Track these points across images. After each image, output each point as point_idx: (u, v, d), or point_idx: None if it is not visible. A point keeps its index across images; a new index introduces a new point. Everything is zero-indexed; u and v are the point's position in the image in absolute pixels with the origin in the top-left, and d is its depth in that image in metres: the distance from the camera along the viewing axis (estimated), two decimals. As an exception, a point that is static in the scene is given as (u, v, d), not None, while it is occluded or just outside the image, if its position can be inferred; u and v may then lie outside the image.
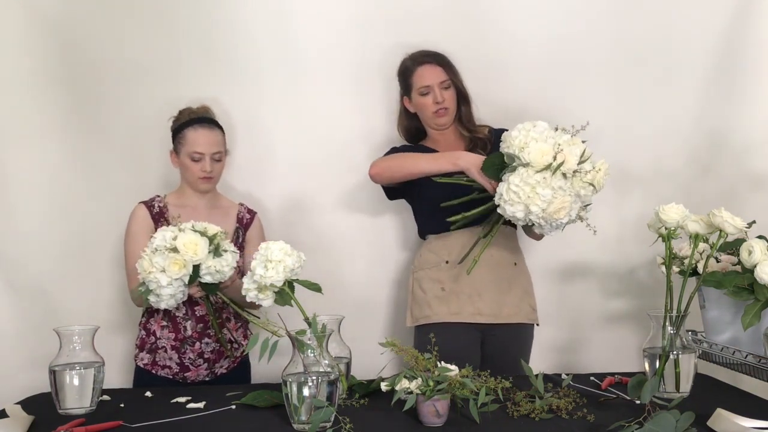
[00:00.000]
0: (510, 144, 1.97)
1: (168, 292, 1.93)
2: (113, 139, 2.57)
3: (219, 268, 1.96)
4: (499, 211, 2.01)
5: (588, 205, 2.04)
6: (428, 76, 2.33)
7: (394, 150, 2.40)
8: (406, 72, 2.38)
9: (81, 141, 2.55)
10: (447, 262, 2.30)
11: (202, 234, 1.95)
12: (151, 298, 1.96)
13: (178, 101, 2.36)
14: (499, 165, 2.03)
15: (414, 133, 2.48)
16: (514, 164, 1.96)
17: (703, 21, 2.62)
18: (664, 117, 2.65)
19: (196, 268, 1.94)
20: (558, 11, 2.63)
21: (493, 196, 2.01)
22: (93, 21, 2.53)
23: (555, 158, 1.91)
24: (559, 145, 1.93)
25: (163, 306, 1.98)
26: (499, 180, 2.01)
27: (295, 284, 1.77)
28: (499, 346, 2.29)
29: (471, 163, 2.09)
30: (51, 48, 2.51)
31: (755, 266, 1.73)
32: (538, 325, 2.38)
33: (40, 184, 2.54)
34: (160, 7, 2.55)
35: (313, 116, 2.64)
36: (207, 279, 1.98)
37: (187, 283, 1.96)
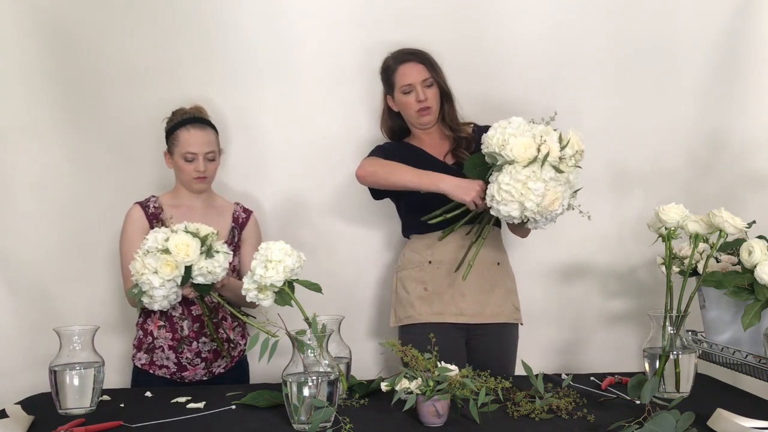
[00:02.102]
0: (488, 144, 1.96)
1: (161, 293, 1.92)
2: (110, 139, 2.56)
3: (211, 269, 1.95)
4: (492, 212, 2.00)
5: (577, 190, 2.03)
6: (410, 74, 2.29)
7: (378, 148, 2.36)
8: (388, 70, 2.34)
9: (78, 141, 2.55)
10: (430, 262, 2.28)
11: (194, 235, 1.94)
12: (144, 300, 1.95)
13: (175, 102, 2.36)
14: (481, 166, 2.02)
15: (398, 132, 2.44)
16: (499, 163, 1.94)
17: (703, 21, 2.62)
18: (664, 117, 2.64)
19: (188, 269, 1.93)
20: (557, 10, 2.62)
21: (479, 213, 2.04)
22: (90, 22, 2.53)
23: (539, 150, 1.90)
24: (541, 136, 1.92)
25: (156, 307, 1.97)
26: (483, 180, 2.01)
27: (295, 284, 1.77)
28: (483, 346, 2.28)
29: (454, 186, 2.07)
30: (47, 48, 2.51)
31: (755, 266, 1.73)
32: (522, 324, 2.37)
33: (37, 183, 2.53)
34: (156, 8, 2.55)
35: (308, 115, 2.63)
36: (199, 280, 1.96)
37: (179, 284, 1.95)
